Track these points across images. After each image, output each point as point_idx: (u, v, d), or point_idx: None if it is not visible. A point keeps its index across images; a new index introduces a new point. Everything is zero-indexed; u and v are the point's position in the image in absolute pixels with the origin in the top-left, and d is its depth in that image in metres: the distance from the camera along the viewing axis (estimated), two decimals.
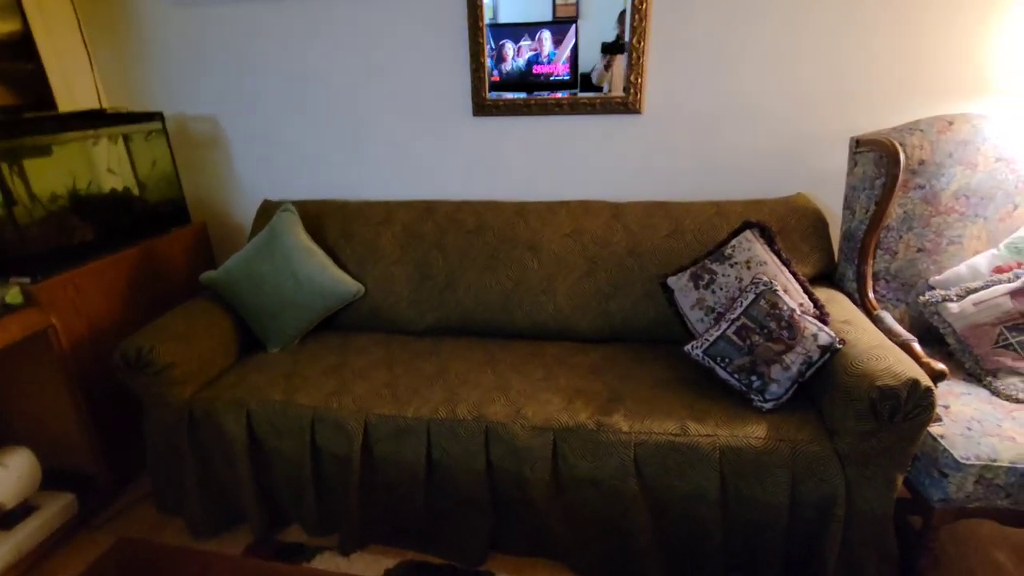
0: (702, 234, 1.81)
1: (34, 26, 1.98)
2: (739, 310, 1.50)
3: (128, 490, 1.92)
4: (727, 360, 1.48)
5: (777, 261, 1.60)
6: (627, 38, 1.88)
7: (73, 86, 2.14)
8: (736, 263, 1.60)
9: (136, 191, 2.07)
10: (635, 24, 1.86)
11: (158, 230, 2.09)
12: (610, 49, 1.91)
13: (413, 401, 1.55)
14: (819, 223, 1.81)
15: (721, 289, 1.60)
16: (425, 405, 1.53)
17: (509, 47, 1.97)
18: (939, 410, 1.38)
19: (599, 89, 1.97)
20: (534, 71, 1.99)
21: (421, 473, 1.52)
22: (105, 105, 2.24)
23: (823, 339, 1.39)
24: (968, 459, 1.24)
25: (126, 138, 2.04)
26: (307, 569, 1.07)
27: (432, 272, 1.95)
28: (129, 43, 2.19)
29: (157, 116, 2.09)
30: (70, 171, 1.84)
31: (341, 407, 1.55)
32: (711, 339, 1.51)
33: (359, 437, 1.52)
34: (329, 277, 1.90)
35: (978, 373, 1.51)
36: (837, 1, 1.75)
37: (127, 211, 2.01)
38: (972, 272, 1.61)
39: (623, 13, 1.87)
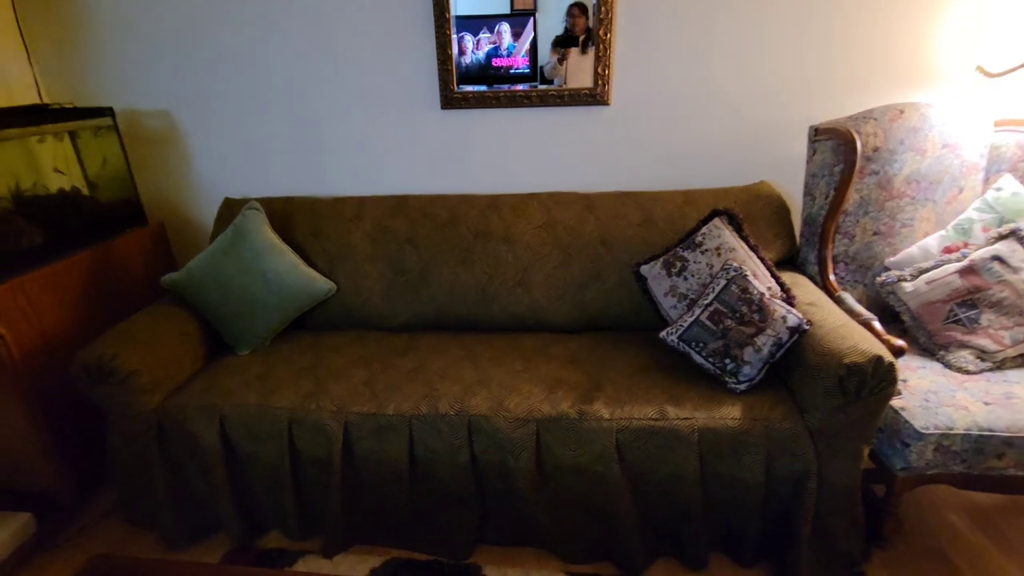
0: (672, 222, 1.85)
1: None
2: (711, 296, 1.55)
3: (91, 505, 1.83)
4: (702, 344, 1.52)
5: (745, 247, 1.65)
6: (594, 30, 1.89)
7: (9, 80, 2.01)
8: (707, 250, 1.65)
9: (86, 191, 1.96)
10: (601, 16, 1.87)
11: (112, 232, 1.99)
12: (562, 43, 1.92)
13: (393, 398, 1.53)
14: (782, 209, 1.87)
15: (693, 276, 1.64)
16: (406, 402, 1.52)
17: (469, 40, 1.96)
18: (899, 384, 1.46)
19: (551, 83, 1.98)
20: (493, 64, 1.98)
21: (404, 470, 1.50)
22: (46, 101, 2.11)
23: (792, 321, 1.45)
24: (927, 429, 1.32)
25: (73, 135, 1.93)
26: (292, 572, 1.05)
27: (406, 268, 1.93)
28: (72, 34, 2.06)
29: (107, 111, 1.98)
30: (11, 171, 1.73)
31: (319, 408, 1.52)
32: (685, 325, 1.55)
33: (339, 437, 1.49)
34: (299, 276, 1.85)
35: (932, 348, 1.60)
36: None
37: (78, 212, 1.90)
38: (924, 253, 1.70)
39: (572, 6, 1.88)
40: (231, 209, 2.05)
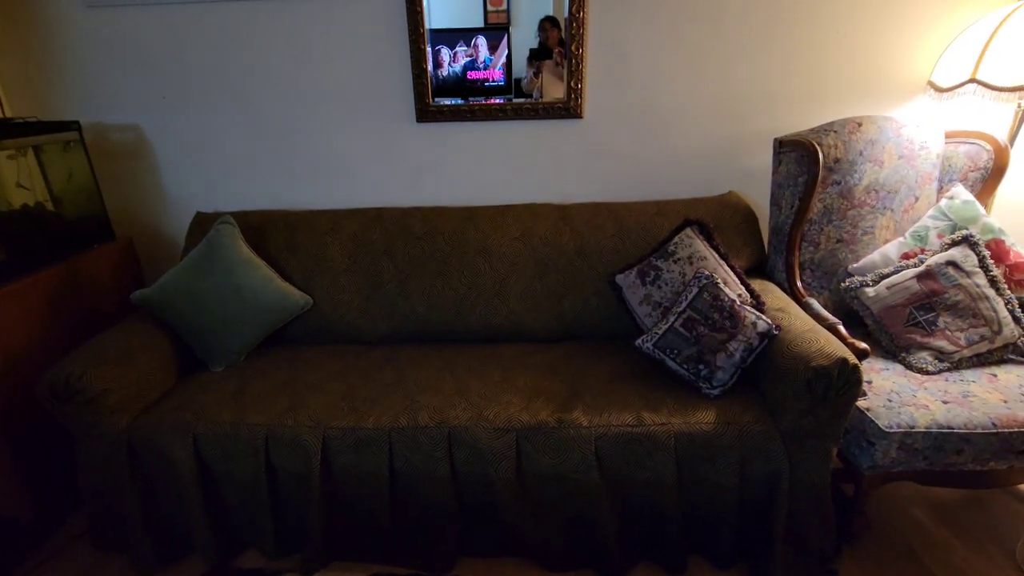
0: (645, 233, 1.89)
1: None
2: (684, 303, 1.59)
3: (58, 530, 1.77)
4: (676, 351, 1.56)
5: (716, 256, 1.70)
6: (567, 44, 1.93)
7: None
8: (679, 259, 1.69)
9: (51, 206, 1.91)
10: (573, 31, 1.92)
11: (79, 247, 1.94)
12: (537, 55, 1.96)
13: (372, 412, 1.53)
14: (750, 218, 1.94)
15: (666, 284, 1.68)
16: (385, 415, 1.51)
17: (445, 53, 1.98)
18: (864, 385, 1.52)
19: (527, 96, 2.02)
20: (469, 77, 2.01)
21: (384, 484, 1.50)
22: (8, 114, 2.06)
23: (761, 326, 1.50)
24: (891, 428, 1.38)
25: (37, 150, 1.88)
26: None
27: (383, 280, 1.93)
28: (36, 47, 2.02)
29: (73, 125, 1.94)
30: None
31: (296, 423, 1.50)
32: (660, 332, 1.59)
33: (318, 453, 1.48)
34: (274, 290, 1.83)
35: (893, 350, 1.67)
36: (759, 13, 1.88)
37: (43, 228, 1.85)
38: (884, 259, 1.77)
39: (544, 20, 1.92)
40: (203, 224, 2.02)
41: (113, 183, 2.19)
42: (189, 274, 1.77)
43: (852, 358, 1.33)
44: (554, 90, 2.00)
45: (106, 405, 1.49)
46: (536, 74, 1.98)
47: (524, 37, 1.95)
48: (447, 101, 2.03)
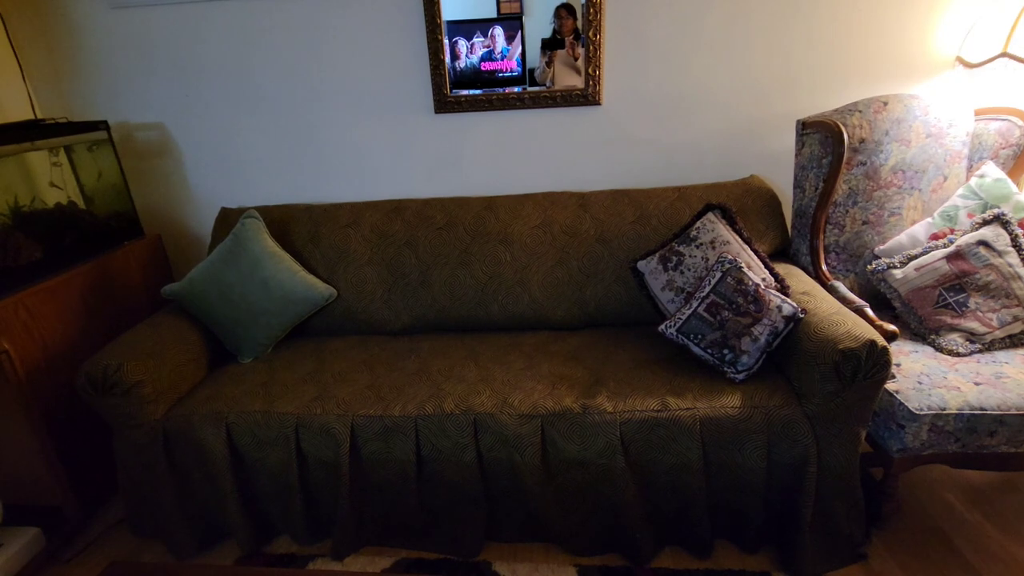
0: (666, 218, 1.88)
1: None
2: (708, 288, 1.58)
3: (97, 518, 1.83)
4: (700, 336, 1.55)
5: (739, 240, 1.69)
6: (583, 31, 1.92)
7: (2, 98, 2.01)
8: (702, 244, 1.68)
9: (83, 205, 1.96)
10: (590, 17, 1.90)
11: (110, 245, 1.99)
12: (549, 45, 1.95)
13: (398, 400, 1.55)
14: (773, 202, 1.91)
15: (689, 270, 1.68)
16: (411, 403, 1.53)
17: (462, 44, 1.98)
18: (893, 368, 1.50)
19: (543, 85, 2.01)
20: (483, 68, 2.00)
21: (411, 471, 1.52)
22: (39, 116, 2.11)
23: (787, 310, 1.49)
24: (921, 410, 1.36)
25: (68, 150, 1.93)
26: (305, 572, 1.06)
27: (405, 271, 1.94)
28: (64, 50, 2.06)
29: (101, 125, 1.99)
30: (9, 187, 1.73)
31: (325, 412, 1.53)
32: (683, 317, 1.58)
33: (346, 440, 1.51)
34: (300, 282, 1.86)
35: (922, 332, 1.64)
36: None
37: (75, 227, 1.90)
38: (912, 240, 1.74)
39: (560, 8, 1.91)
40: (228, 219, 2.06)
41: (139, 181, 2.24)
42: (217, 268, 1.81)
43: (881, 340, 1.31)
44: (566, 79, 1.99)
45: (142, 396, 1.54)
46: (548, 64, 1.97)
47: (537, 27, 1.94)
48: (465, 92, 2.03)
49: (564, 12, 1.92)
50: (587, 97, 2.00)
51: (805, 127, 1.80)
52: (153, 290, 2.10)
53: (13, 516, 1.69)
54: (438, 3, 1.93)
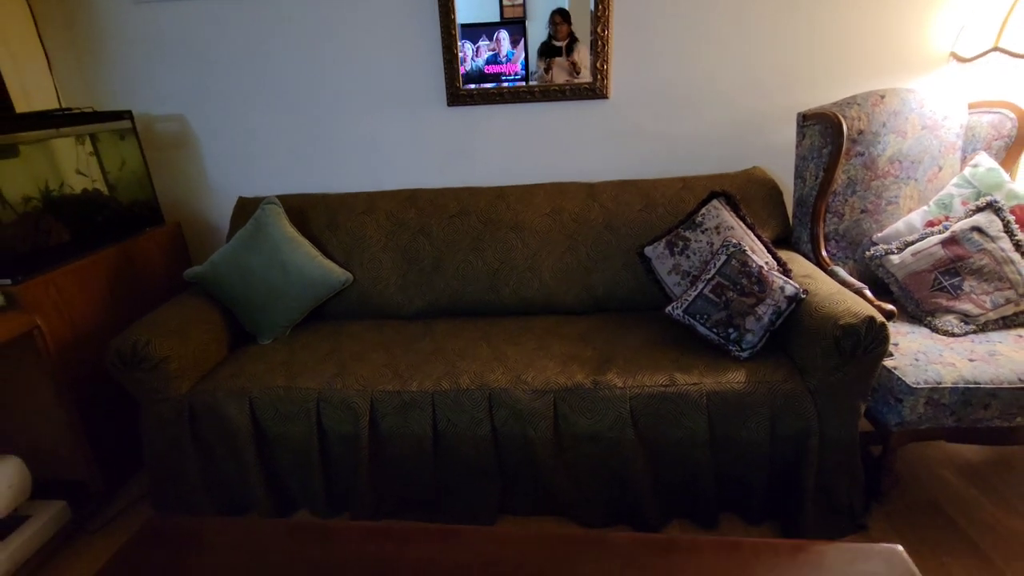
0: (672, 207, 1.95)
1: None
2: (713, 270, 1.64)
3: (120, 494, 1.89)
4: (705, 316, 1.62)
5: (743, 225, 1.75)
6: (592, 27, 2.00)
7: (29, 87, 2.07)
8: (707, 229, 1.75)
9: (107, 191, 2.03)
10: (599, 14, 1.98)
11: (133, 230, 2.05)
12: (547, 50, 2.02)
13: (415, 377, 1.61)
14: (775, 192, 1.98)
15: (695, 254, 1.74)
16: (428, 379, 1.59)
17: (468, 48, 2.05)
18: (890, 347, 1.56)
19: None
20: (487, 71, 2.07)
21: (428, 445, 1.58)
22: (63, 106, 2.18)
23: (789, 290, 1.55)
24: (918, 384, 1.42)
25: (94, 138, 2.00)
26: (342, 523, 1.13)
27: (419, 257, 2.01)
28: (88, 42, 2.13)
29: (126, 115, 2.05)
30: (40, 172, 1.80)
31: (346, 387, 1.59)
32: (690, 299, 1.65)
33: (366, 414, 1.57)
34: (318, 267, 1.93)
35: (919, 315, 1.71)
36: None
37: (100, 212, 1.97)
38: (908, 227, 1.81)
39: (555, 13, 1.97)
40: (245, 207, 2.12)
41: (159, 170, 2.30)
42: (238, 252, 1.87)
43: (879, 316, 1.38)
44: (564, 79, 2.06)
45: (168, 371, 1.59)
46: (547, 70, 2.05)
47: (539, 30, 2.01)
48: (476, 85, 2.10)
49: (559, 17, 2.00)
50: (595, 91, 2.07)
51: (806, 119, 1.87)
52: (173, 275, 2.16)
53: (39, 490, 1.74)
54: (452, 2, 2.00)
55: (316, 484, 1.65)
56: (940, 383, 1.42)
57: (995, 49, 1.72)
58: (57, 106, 2.16)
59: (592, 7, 1.97)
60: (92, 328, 1.80)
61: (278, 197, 2.14)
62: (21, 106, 2.03)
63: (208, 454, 1.66)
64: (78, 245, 1.83)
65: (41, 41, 2.11)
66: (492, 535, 1.09)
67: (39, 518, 1.65)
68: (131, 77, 2.18)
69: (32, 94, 2.08)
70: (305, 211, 2.08)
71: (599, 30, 2.00)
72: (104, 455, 1.81)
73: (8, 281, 1.57)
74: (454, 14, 2.02)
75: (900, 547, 0.93)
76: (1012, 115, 1.80)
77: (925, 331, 1.65)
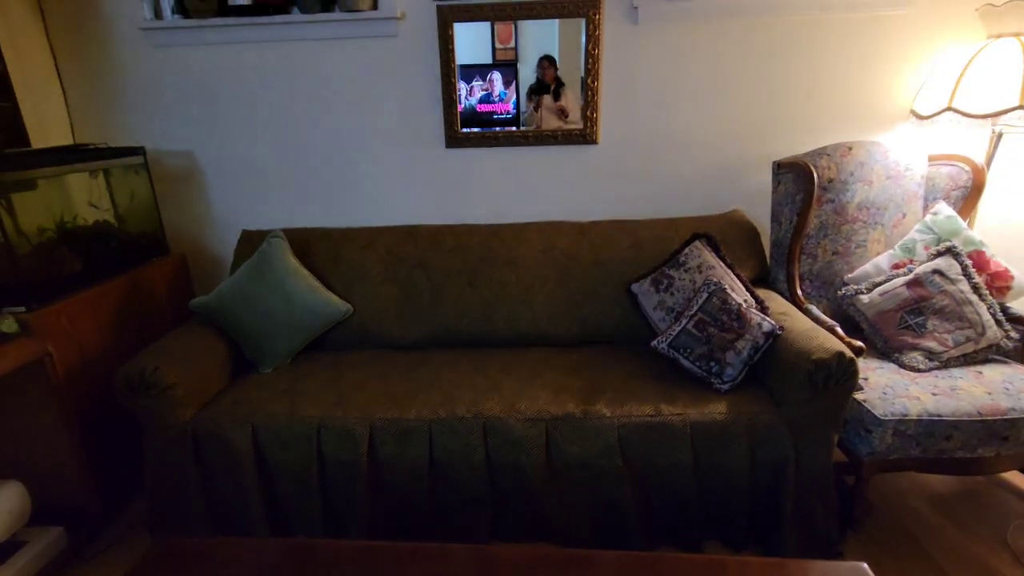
0: (658, 246, 2.07)
1: (10, 64, 2.02)
2: (696, 307, 1.75)
3: (119, 520, 1.91)
4: (689, 350, 1.72)
5: (723, 265, 1.87)
6: (583, 78, 2.15)
7: (46, 123, 2.17)
8: (690, 268, 1.86)
9: (116, 223, 2.10)
10: (589, 65, 2.14)
11: (140, 261, 2.13)
12: (536, 91, 2.17)
13: (413, 405, 1.68)
14: (753, 233, 2.12)
15: (678, 291, 1.85)
16: (425, 407, 1.66)
17: (463, 87, 2.20)
18: (861, 381, 1.67)
19: (530, 127, 2.22)
20: (479, 109, 2.21)
21: (424, 472, 1.64)
22: (77, 141, 2.27)
23: (766, 327, 1.66)
24: (886, 416, 1.53)
25: (107, 172, 2.09)
26: (343, 542, 1.18)
27: (417, 290, 2.10)
28: (106, 83, 2.24)
29: (139, 151, 2.15)
30: (56, 205, 1.88)
31: (346, 415, 1.66)
32: (674, 333, 1.75)
33: (365, 441, 1.63)
34: (319, 298, 2.01)
35: (887, 351, 1.83)
36: (758, 49, 2.10)
37: (110, 243, 2.04)
38: (876, 269, 1.94)
39: (542, 59, 2.14)
40: (249, 240, 2.21)
41: (167, 203, 2.39)
42: (244, 283, 1.95)
43: (848, 352, 1.49)
44: (552, 123, 2.21)
45: (174, 398, 1.65)
46: (536, 108, 2.20)
47: (530, 73, 2.17)
48: (474, 129, 2.24)
49: (547, 63, 2.16)
50: (585, 136, 2.22)
51: (780, 167, 2.02)
52: (177, 304, 2.23)
53: (38, 516, 1.76)
54: (453, 50, 2.15)
55: (314, 510, 1.69)
56: (906, 415, 1.52)
57: (949, 109, 1.89)
58: (71, 139, 2.25)
59: (584, 57, 2.13)
60: (99, 355, 1.85)
61: (284, 230, 2.23)
62: (36, 137, 2.12)
63: (209, 479, 1.70)
64: (89, 275, 1.90)
65: (59, 76, 2.21)
66: (485, 554, 1.15)
67: (36, 544, 1.66)
68: (143, 114, 2.29)
69: (48, 127, 2.17)
70: (308, 244, 2.17)
71: (589, 81, 2.15)
72: (104, 481, 1.83)
73: (23, 309, 1.63)
74: (454, 63, 2.16)
75: (865, 564, 1.01)
76: (967, 168, 1.96)
77: (893, 366, 1.77)
